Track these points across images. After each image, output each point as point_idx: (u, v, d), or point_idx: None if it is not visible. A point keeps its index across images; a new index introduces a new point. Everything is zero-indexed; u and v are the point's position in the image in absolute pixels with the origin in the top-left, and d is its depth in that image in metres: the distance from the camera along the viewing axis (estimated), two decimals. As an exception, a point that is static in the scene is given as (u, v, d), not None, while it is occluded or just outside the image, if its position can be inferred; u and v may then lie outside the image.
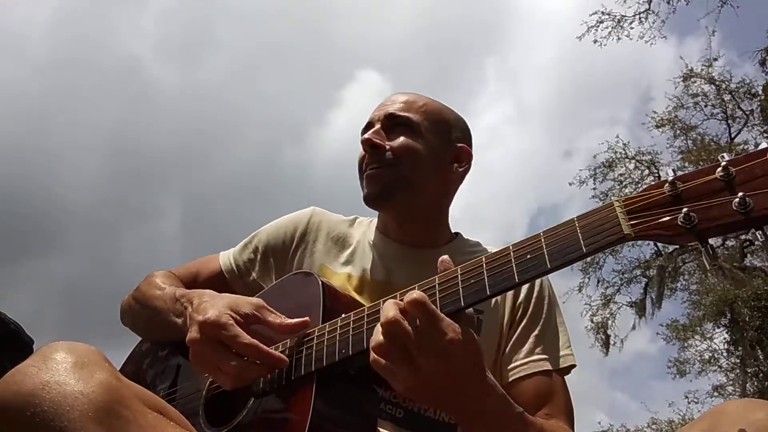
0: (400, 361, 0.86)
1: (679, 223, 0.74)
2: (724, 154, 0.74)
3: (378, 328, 0.87)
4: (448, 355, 0.85)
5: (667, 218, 0.76)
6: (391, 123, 1.35)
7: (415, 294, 0.85)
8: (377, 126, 1.36)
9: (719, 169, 0.74)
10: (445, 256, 0.96)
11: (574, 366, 1.28)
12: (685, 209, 0.74)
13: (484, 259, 0.91)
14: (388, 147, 1.32)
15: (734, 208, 0.71)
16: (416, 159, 1.32)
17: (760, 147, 0.74)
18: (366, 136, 1.34)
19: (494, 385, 0.93)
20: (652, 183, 0.81)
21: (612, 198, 0.83)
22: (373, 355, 0.88)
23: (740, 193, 0.71)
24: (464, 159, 1.40)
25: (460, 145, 1.40)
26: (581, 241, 0.81)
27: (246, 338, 1.01)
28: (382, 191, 1.31)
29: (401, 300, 0.88)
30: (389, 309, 0.86)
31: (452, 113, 1.43)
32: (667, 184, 0.77)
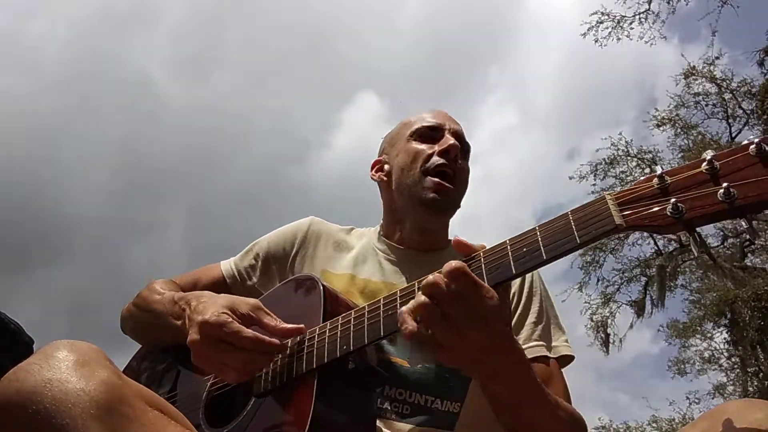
0: (443, 325, 0.85)
1: (668, 213, 0.78)
2: (709, 150, 0.78)
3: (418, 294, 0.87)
4: (489, 319, 0.86)
5: (657, 208, 0.79)
6: (462, 147, 1.43)
7: (455, 263, 0.86)
8: (454, 140, 1.40)
9: (704, 163, 0.78)
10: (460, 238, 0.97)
11: (571, 358, 1.31)
12: (673, 200, 0.78)
13: (482, 253, 0.93)
14: (460, 165, 1.42)
15: (719, 198, 0.75)
16: (466, 187, 1.45)
17: (743, 142, 0.78)
18: (455, 143, 1.39)
19: (520, 348, 0.98)
20: (642, 178, 0.85)
21: (604, 192, 0.87)
22: (408, 320, 0.86)
23: (724, 184, 0.75)
24: None
25: None
26: (575, 233, 0.84)
27: (247, 332, 1.03)
28: (449, 207, 1.41)
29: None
30: (430, 276, 0.87)
31: None
32: (655, 178, 0.81)
